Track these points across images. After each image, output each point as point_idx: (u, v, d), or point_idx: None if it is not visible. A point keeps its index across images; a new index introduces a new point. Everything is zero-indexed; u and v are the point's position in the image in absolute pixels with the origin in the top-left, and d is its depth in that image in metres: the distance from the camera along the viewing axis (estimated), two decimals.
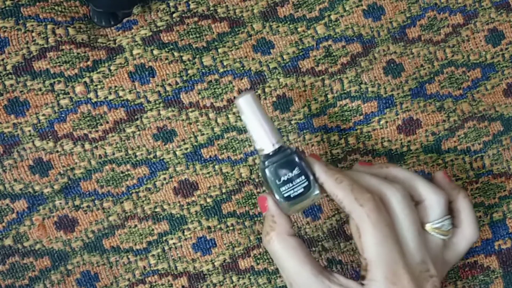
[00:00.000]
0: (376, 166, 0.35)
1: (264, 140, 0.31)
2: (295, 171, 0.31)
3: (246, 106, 0.30)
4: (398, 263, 0.30)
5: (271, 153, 0.31)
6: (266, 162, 0.31)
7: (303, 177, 0.31)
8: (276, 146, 0.31)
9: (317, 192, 0.31)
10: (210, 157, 0.38)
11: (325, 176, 0.31)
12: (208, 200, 0.38)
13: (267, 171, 0.31)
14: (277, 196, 0.31)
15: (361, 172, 0.33)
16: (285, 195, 0.31)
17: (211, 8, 0.38)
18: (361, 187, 0.31)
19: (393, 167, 0.34)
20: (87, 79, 0.36)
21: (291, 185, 0.31)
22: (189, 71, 0.37)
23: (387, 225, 0.30)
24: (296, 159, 0.31)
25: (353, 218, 0.30)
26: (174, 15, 0.37)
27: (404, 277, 0.29)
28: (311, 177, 0.31)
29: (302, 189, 0.31)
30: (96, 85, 0.36)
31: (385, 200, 0.31)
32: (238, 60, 0.38)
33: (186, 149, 0.38)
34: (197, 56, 0.37)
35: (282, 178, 0.31)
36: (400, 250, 0.30)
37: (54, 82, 0.36)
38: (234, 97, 0.38)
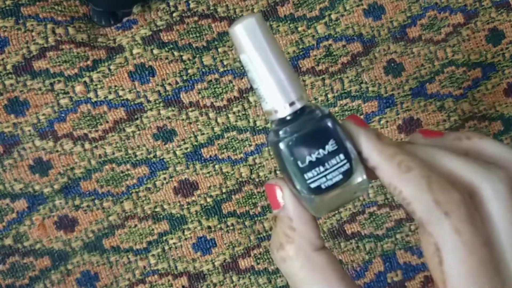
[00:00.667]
0: (451, 137, 0.22)
1: (276, 94, 0.19)
2: (330, 147, 0.19)
3: (247, 37, 0.19)
4: None
5: (289, 117, 0.19)
6: (281, 132, 0.19)
7: (342, 156, 0.19)
8: (298, 106, 0.19)
9: (362, 180, 0.20)
10: (210, 156, 0.38)
11: (379, 155, 0.19)
12: (208, 199, 0.38)
13: (282, 146, 0.19)
14: (298, 186, 0.19)
15: (431, 148, 0.20)
16: (312, 185, 0.19)
17: (211, 8, 0.37)
18: (444, 180, 0.19)
19: (479, 138, 0.21)
20: (87, 79, 0.36)
21: (322, 169, 0.19)
22: (189, 71, 0.37)
23: (485, 245, 0.19)
24: (331, 125, 0.19)
25: (431, 234, 0.19)
26: (174, 14, 0.37)
27: None
28: (353, 156, 0.19)
29: (341, 176, 0.19)
30: (96, 85, 0.36)
31: (479, 197, 0.19)
32: (238, 59, 0.38)
33: (186, 148, 0.37)
34: (197, 55, 0.37)
35: (308, 158, 0.19)
36: (503, 283, 0.19)
37: (54, 81, 0.36)
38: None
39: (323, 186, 0.19)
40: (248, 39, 0.19)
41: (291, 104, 0.19)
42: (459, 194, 0.18)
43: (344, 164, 0.19)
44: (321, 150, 0.19)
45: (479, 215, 0.19)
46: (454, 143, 0.21)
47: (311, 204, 0.20)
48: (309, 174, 0.19)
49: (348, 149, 0.19)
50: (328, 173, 0.19)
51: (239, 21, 0.19)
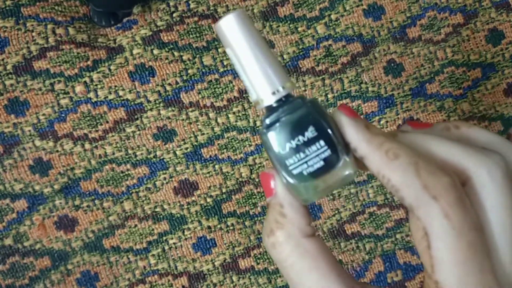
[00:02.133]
0: (439, 127, 0.21)
1: (260, 84, 0.20)
2: (309, 133, 0.19)
3: (229, 32, 0.20)
4: None
5: (274, 105, 0.20)
6: (267, 120, 0.20)
7: (322, 142, 0.19)
8: (282, 93, 0.20)
9: (347, 166, 0.20)
10: (210, 156, 0.38)
11: (367, 145, 0.19)
12: (208, 200, 0.38)
13: (264, 133, 0.20)
14: (284, 174, 0.20)
15: (420, 135, 0.20)
16: (295, 171, 0.20)
17: (211, 8, 0.37)
18: (432, 164, 0.18)
19: (468, 126, 0.21)
20: (87, 79, 0.36)
21: (302, 155, 0.19)
22: (189, 71, 0.37)
23: (475, 229, 0.18)
24: (311, 112, 0.20)
25: (420, 218, 0.18)
26: (174, 14, 0.37)
27: None
28: (338, 143, 0.19)
29: (322, 162, 0.19)
30: (96, 85, 0.36)
31: (472, 181, 0.19)
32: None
33: (186, 148, 0.38)
34: (197, 55, 0.37)
35: (288, 145, 0.20)
36: (492, 268, 0.18)
37: (54, 81, 0.36)
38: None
39: (305, 173, 0.20)
40: (229, 34, 0.20)
41: (274, 92, 0.20)
42: (448, 177, 0.18)
43: (325, 150, 0.19)
44: (300, 137, 0.19)
45: (469, 200, 0.18)
46: (443, 133, 0.21)
47: (298, 191, 0.20)
48: (290, 161, 0.20)
49: (331, 136, 0.19)
50: (309, 160, 0.20)
51: (223, 17, 0.20)
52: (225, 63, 0.38)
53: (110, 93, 0.37)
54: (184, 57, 0.37)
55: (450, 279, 0.18)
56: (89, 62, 0.36)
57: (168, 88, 0.37)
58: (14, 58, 0.35)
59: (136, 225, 0.37)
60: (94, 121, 0.36)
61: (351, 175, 0.20)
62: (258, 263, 0.38)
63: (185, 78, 0.37)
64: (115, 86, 0.37)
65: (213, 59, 0.37)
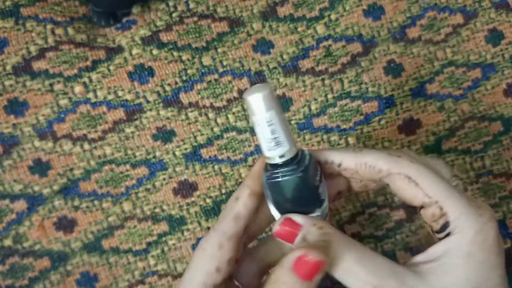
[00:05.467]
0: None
1: (272, 150, 0.24)
2: (296, 192, 0.25)
3: (257, 106, 0.23)
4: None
5: (279, 163, 0.25)
6: (269, 173, 0.25)
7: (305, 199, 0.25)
8: (287, 157, 0.24)
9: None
10: (209, 157, 0.38)
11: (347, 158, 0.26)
12: (208, 200, 0.38)
13: (265, 182, 0.25)
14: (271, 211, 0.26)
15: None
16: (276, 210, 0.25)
17: (211, 8, 0.37)
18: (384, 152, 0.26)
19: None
20: (86, 79, 0.36)
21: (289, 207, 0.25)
22: (189, 71, 0.37)
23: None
24: (300, 179, 0.24)
25: (401, 173, 0.25)
26: (173, 14, 0.37)
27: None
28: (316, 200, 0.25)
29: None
30: (95, 85, 0.36)
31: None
32: (237, 60, 0.38)
33: (186, 149, 0.37)
34: (197, 56, 0.37)
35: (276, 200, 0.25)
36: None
37: (54, 82, 0.36)
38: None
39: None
40: (255, 107, 0.23)
41: (281, 156, 0.24)
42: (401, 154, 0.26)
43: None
44: (289, 195, 0.24)
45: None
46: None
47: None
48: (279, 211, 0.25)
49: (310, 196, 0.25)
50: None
51: (252, 91, 0.23)
52: (224, 63, 0.38)
53: (109, 93, 0.37)
54: (183, 57, 0.37)
55: (441, 193, 0.25)
56: (88, 63, 0.36)
57: (167, 88, 0.37)
58: (14, 58, 0.35)
59: (135, 226, 0.37)
60: (93, 121, 0.36)
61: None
62: None
63: (184, 78, 0.37)
64: (114, 87, 0.37)
65: (212, 59, 0.37)
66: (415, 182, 0.25)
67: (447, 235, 0.24)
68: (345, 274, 0.23)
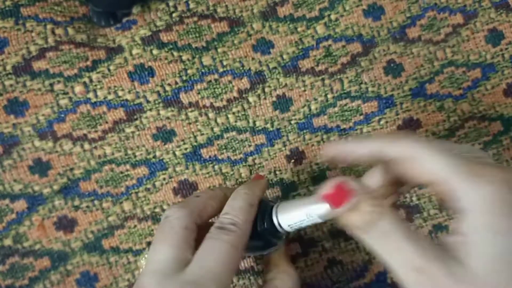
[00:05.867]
0: None
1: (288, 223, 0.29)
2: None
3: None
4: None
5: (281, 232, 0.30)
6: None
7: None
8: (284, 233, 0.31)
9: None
10: (209, 157, 0.38)
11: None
12: None
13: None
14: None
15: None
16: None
17: (211, 8, 0.37)
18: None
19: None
20: (86, 79, 0.36)
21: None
22: (189, 71, 0.37)
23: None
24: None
25: (406, 154, 0.25)
26: (173, 14, 0.37)
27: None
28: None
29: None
30: (95, 85, 0.36)
31: None
32: (237, 59, 0.38)
33: (186, 149, 0.37)
34: (197, 56, 0.37)
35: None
36: None
37: (54, 82, 0.36)
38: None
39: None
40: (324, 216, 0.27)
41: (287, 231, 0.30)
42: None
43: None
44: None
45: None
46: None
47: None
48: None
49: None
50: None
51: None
52: (224, 63, 0.38)
53: (109, 93, 0.37)
54: (183, 57, 0.37)
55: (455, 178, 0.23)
56: (88, 62, 0.36)
57: (167, 88, 0.37)
58: (14, 58, 0.35)
59: (135, 226, 0.37)
60: (93, 121, 0.36)
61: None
62: (257, 264, 0.38)
63: (184, 78, 0.37)
64: (115, 87, 0.37)
65: (212, 59, 0.37)
66: (419, 163, 0.24)
67: (463, 211, 0.23)
68: (393, 250, 0.23)
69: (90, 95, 0.36)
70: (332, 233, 0.39)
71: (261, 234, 0.30)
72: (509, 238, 0.22)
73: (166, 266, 0.26)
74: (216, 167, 0.38)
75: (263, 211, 0.30)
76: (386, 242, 0.23)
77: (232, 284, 0.38)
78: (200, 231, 0.29)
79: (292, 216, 0.28)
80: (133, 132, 0.37)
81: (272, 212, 0.30)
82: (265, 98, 0.38)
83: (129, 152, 0.37)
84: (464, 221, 0.23)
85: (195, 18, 0.37)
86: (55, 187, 0.36)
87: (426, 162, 0.24)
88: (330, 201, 0.24)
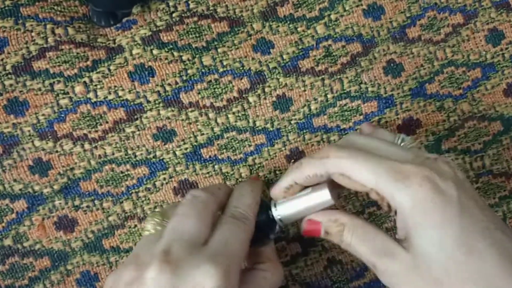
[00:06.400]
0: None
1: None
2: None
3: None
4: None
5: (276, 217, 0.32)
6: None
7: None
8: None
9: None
10: (210, 157, 0.38)
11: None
12: None
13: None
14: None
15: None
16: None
17: (211, 8, 0.37)
18: None
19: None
20: (86, 79, 0.36)
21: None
22: (189, 71, 0.37)
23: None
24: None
25: (334, 173, 0.29)
26: (173, 14, 0.37)
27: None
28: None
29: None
30: (95, 85, 0.36)
31: None
32: (238, 60, 0.38)
33: (186, 149, 0.37)
34: (197, 56, 0.37)
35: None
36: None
37: (54, 82, 0.36)
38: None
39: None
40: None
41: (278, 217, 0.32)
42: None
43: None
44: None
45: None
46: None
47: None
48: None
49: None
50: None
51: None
52: (224, 63, 0.38)
53: (109, 93, 0.37)
54: (183, 57, 0.37)
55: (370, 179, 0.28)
56: (88, 62, 0.36)
57: (167, 88, 0.37)
58: (14, 58, 0.35)
59: (136, 226, 0.37)
60: (93, 121, 0.36)
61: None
62: None
63: (184, 78, 0.37)
64: (115, 86, 0.37)
65: (212, 59, 0.37)
66: (348, 177, 0.28)
67: (396, 212, 0.27)
68: (355, 253, 0.28)
69: (90, 95, 0.36)
70: None
71: (258, 228, 0.31)
72: (441, 230, 0.25)
73: (194, 237, 0.28)
74: (216, 167, 0.38)
75: (262, 208, 0.32)
76: (349, 248, 0.29)
77: None
78: None
79: (291, 206, 0.31)
80: (133, 132, 0.37)
81: (270, 206, 0.32)
82: (265, 98, 0.38)
83: (130, 152, 0.37)
84: (400, 218, 0.27)
85: (195, 18, 0.37)
86: (56, 187, 0.36)
87: (354, 178, 0.27)
88: (310, 235, 0.30)
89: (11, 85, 0.36)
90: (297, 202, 0.31)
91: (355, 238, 0.28)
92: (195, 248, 0.27)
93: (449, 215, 0.25)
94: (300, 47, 0.38)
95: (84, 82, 0.36)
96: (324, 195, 0.29)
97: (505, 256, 0.25)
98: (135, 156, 0.37)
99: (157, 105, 0.37)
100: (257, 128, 0.38)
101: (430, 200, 0.25)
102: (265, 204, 0.32)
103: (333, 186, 0.30)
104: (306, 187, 0.31)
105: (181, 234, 0.28)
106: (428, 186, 0.26)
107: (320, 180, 0.30)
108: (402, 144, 0.31)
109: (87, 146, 0.36)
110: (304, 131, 0.39)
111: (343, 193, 0.39)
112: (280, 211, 0.31)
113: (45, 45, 0.36)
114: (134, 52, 0.37)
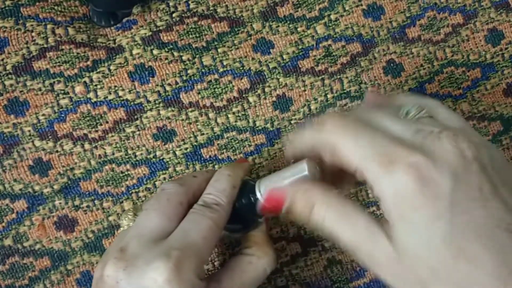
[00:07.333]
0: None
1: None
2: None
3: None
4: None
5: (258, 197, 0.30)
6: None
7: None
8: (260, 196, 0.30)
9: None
10: (210, 157, 0.38)
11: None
12: None
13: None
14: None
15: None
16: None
17: (211, 8, 0.38)
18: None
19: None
20: (86, 79, 0.36)
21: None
22: (189, 71, 0.37)
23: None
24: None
25: (326, 146, 0.26)
26: (173, 14, 0.37)
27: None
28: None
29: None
30: (95, 85, 0.36)
31: None
32: (238, 59, 0.38)
33: (186, 149, 0.38)
34: (197, 56, 0.37)
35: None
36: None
37: (54, 82, 0.36)
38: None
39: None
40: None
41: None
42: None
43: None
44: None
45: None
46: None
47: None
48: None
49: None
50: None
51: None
52: (224, 63, 0.38)
53: (109, 93, 0.37)
54: (183, 57, 0.37)
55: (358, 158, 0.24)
56: (88, 62, 0.36)
57: (167, 88, 0.37)
58: (14, 58, 0.35)
59: None
60: (93, 121, 0.36)
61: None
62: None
63: (184, 78, 0.37)
64: (115, 86, 0.37)
65: (212, 59, 0.37)
66: (338, 151, 0.25)
67: (379, 198, 0.23)
68: (331, 234, 0.25)
69: (91, 95, 0.36)
70: None
71: (242, 212, 0.31)
72: (428, 228, 0.21)
73: (154, 232, 0.28)
74: (216, 167, 0.38)
75: (243, 190, 0.31)
76: (324, 228, 0.25)
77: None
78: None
79: (271, 183, 0.29)
80: (133, 132, 0.37)
81: (255, 189, 0.30)
82: (265, 98, 0.38)
83: (130, 152, 0.37)
84: (382, 207, 0.23)
85: (195, 18, 0.37)
86: (56, 187, 0.36)
87: (341, 152, 0.24)
88: (269, 212, 0.27)
89: (11, 85, 0.36)
90: (277, 179, 0.29)
91: (331, 215, 0.25)
92: (153, 243, 0.27)
93: (438, 210, 0.21)
94: (300, 47, 0.38)
95: (84, 82, 0.36)
96: (301, 169, 0.27)
97: (501, 262, 0.20)
98: (135, 156, 0.37)
99: (157, 105, 0.37)
100: (257, 128, 0.38)
101: (417, 192, 0.21)
102: (250, 186, 0.31)
103: (322, 165, 0.28)
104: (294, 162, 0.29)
105: (142, 230, 0.28)
106: (415, 174, 0.22)
107: (313, 152, 0.27)
108: (408, 116, 0.26)
109: (87, 146, 0.37)
110: None
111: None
112: (262, 190, 0.29)
113: (45, 45, 0.36)
114: (134, 52, 0.37)
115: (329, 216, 0.24)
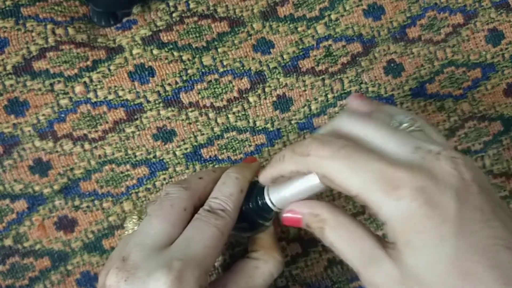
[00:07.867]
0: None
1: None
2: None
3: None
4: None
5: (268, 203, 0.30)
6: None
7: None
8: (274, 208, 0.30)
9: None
10: (210, 157, 0.38)
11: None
12: None
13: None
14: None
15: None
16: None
17: (211, 8, 0.37)
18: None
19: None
20: (86, 79, 0.36)
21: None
22: (189, 71, 0.37)
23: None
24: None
25: (317, 174, 0.26)
26: (173, 14, 0.37)
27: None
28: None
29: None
30: (95, 85, 0.36)
31: None
32: (238, 59, 0.38)
33: (186, 149, 0.37)
34: (197, 55, 0.37)
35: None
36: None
37: (54, 82, 0.36)
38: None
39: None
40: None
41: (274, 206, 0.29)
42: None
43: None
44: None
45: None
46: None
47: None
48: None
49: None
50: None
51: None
52: (224, 63, 0.38)
53: (109, 93, 0.37)
54: (183, 57, 0.37)
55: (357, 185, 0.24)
56: (88, 62, 0.36)
57: (167, 88, 0.37)
58: (14, 58, 0.35)
59: None
60: (93, 121, 0.36)
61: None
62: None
63: (184, 78, 0.37)
64: (115, 86, 0.37)
65: (212, 59, 0.37)
66: (331, 181, 0.24)
67: (384, 222, 0.23)
68: (338, 253, 0.25)
69: (91, 95, 0.36)
70: None
71: (249, 215, 0.30)
72: (435, 251, 0.22)
73: (156, 240, 0.27)
74: (216, 167, 0.38)
75: (251, 192, 0.30)
76: (333, 249, 0.25)
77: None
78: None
79: (283, 189, 0.28)
80: (133, 132, 0.37)
81: (264, 191, 0.29)
82: (265, 98, 0.38)
83: (130, 152, 0.37)
84: (388, 231, 0.23)
85: (195, 18, 0.37)
86: (56, 187, 0.36)
87: (336, 180, 0.24)
88: (290, 225, 0.28)
89: (11, 85, 0.36)
90: (289, 185, 0.28)
91: (338, 238, 0.25)
92: (155, 252, 0.26)
93: (445, 233, 0.21)
94: (300, 47, 0.38)
95: (84, 82, 0.36)
96: (313, 179, 0.26)
97: (506, 280, 0.21)
98: (135, 156, 0.37)
99: (157, 105, 0.37)
100: (257, 128, 0.38)
101: (423, 216, 0.22)
102: (258, 188, 0.30)
103: None
104: None
105: (144, 238, 0.27)
106: (421, 199, 0.22)
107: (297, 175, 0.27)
108: (401, 127, 0.26)
109: (87, 146, 0.36)
110: (305, 131, 0.39)
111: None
112: (272, 195, 0.29)
113: (45, 45, 0.36)
114: (134, 52, 0.37)
115: (337, 240, 0.25)
